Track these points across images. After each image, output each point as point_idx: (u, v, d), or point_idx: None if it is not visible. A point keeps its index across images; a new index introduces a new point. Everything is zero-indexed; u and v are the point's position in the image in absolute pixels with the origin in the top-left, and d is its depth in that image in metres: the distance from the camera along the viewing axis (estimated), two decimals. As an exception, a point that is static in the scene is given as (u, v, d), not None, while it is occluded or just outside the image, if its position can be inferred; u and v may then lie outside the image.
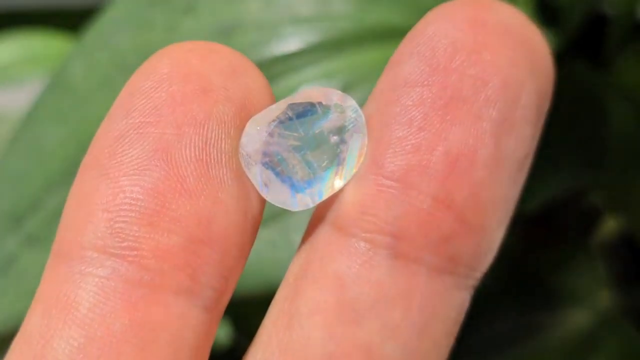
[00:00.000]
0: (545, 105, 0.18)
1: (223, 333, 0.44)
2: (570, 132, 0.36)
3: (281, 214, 0.29)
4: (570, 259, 0.41)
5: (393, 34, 0.32)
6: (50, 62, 0.48)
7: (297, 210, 0.17)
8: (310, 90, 0.17)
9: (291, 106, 0.17)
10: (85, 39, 0.35)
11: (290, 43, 0.32)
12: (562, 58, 0.40)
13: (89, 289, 0.16)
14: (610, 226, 0.45)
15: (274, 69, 0.32)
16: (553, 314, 0.40)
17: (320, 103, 0.17)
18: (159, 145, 0.16)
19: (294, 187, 0.17)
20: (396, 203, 0.16)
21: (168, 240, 0.16)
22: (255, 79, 0.17)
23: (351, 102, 0.17)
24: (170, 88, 0.16)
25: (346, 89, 0.31)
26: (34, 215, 0.34)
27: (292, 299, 0.17)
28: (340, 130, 0.17)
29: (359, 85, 0.31)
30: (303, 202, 0.17)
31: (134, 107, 0.16)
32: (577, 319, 0.40)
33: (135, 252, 0.16)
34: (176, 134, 0.16)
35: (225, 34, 0.32)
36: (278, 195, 0.17)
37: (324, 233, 0.17)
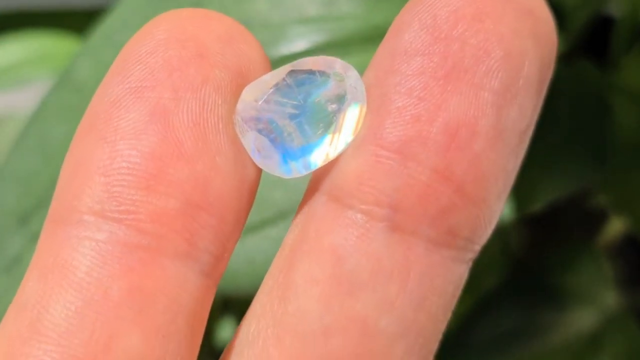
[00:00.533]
0: (548, 74, 0.17)
1: (227, 332, 0.44)
2: (575, 132, 0.36)
3: (286, 213, 0.29)
4: (575, 259, 0.41)
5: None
6: (58, 62, 0.48)
7: (289, 177, 0.17)
8: (311, 58, 0.17)
9: (290, 73, 0.17)
10: (93, 38, 0.35)
11: (298, 43, 0.32)
12: (568, 59, 0.40)
13: (85, 252, 0.16)
14: (615, 226, 0.45)
15: (281, 69, 0.32)
16: (558, 314, 0.40)
17: (320, 71, 0.17)
18: (156, 109, 0.16)
19: (287, 154, 0.17)
20: (394, 174, 0.16)
21: (166, 204, 0.16)
22: (251, 47, 0.17)
23: (352, 72, 0.17)
24: (166, 53, 0.16)
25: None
26: (40, 214, 0.34)
27: (287, 271, 0.17)
28: (339, 99, 0.17)
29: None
30: (296, 169, 0.17)
31: (130, 72, 0.16)
32: (582, 319, 0.40)
33: (133, 216, 0.16)
34: (173, 98, 0.16)
35: (232, 34, 0.32)
36: (270, 162, 0.17)
37: (320, 203, 0.17)
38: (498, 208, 0.17)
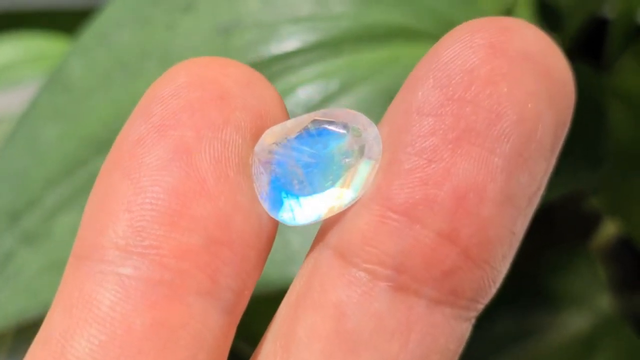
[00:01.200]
0: (562, 135, 0.17)
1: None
2: (569, 134, 0.36)
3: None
4: (569, 262, 0.41)
5: (391, 34, 0.32)
6: (49, 63, 0.48)
7: (292, 225, 0.17)
8: (336, 109, 0.17)
9: (313, 122, 0.17)
10: (84, 36, 0.35)
11: (289, 42, 0.32)
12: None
13: (110, 287, 0.16)
14: (609, 230, 0.45)
15: (273, 68, 0.32)
16: (552, 317, 0.40)
17: (341, 123, 0.17)
18: (178, 146, 0.16)
19: (293, 202, 0.17)
20: (400, 236, 0.16)
21: (189, 240, 0.16)
22: (269, 91, 0.18)
23: (372, 129, 0.17)
24: (188, 95, 0.17)
25: (344, 88, 0.31)
26: (31, 213, 0.34)
27: (290, 322, 0.17)
28: (353, 154, 0.17)
29: (357, 84, 0.31)
30: (300, 218, 0.17)
31: (153, 113, 0.17)
32: (576, 322, 0.40)
33: (156, 251, 0.16)
34: (195, 136, 0.16)
35: (224, 33, 0.32)
36: (275, 207, 0.17)
37: (326, 257, 0.17)
38: (503, 268, 0.17)
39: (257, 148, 0.17)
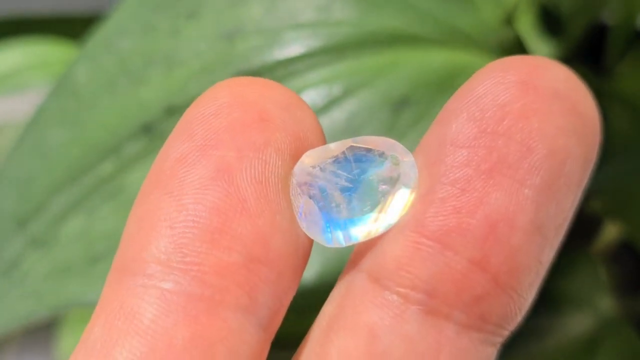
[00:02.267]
0: (589, 169, 0.18)
1: None
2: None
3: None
4: (571, 264, 0.41)
5: (393, 40, 0.33)
6: (56, 68, 0.48)
7: (329, 245, 0.18)
8: (375, 138, 0.18)
9: (350, 148, 0.17)
10: (90, 43, 0.35)
11: (292, 48, 0.32)
12: (565, 65, 0.40)
13: (152, 301, 0.16)
14: (611, 232, 0.45)
15: (276, 73, 0.32)
16: (554, 319, 0.40)
17: (379, 151, 0.17)
18: (220, 166, 0.17)
19: (331, 224, 0.17)
20: (432, 262, 0.16)
21: (229, 257, 0.16)
22: (307, 114, 0.18)
23: (409, 158, 0.17)
24: (230, 115, 0.17)
25: (347, 92, 0.31)
26: (38, 218, 0.34)
27: (323, 343, 0.17)
28: (391, 181, 0.17)
29: (360, 89, 0.32)
30: (337, 239, 0.17)
31: (195, 132, 0.17)
32: (577, 324, 0.40)
33: (198, 268, 0.16)
34: (237, 156, 0.17)
35: (228, 39, 0.33)
36: (314, 228, 0.17)
37: (359, 280, 0.17)
38: (530, 297, 0.17)
39: (296, 169, 0.17)
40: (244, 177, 0.17)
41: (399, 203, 0.17)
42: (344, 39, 0.32)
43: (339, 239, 0.17)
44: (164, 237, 0.16)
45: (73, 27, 0.49)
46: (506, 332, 0.18)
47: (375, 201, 0.17)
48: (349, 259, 0.18)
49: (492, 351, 0.18)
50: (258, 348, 0.17)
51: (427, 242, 0.17)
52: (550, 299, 0.41)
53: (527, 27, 0.41)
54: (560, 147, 0.17)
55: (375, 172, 0.17)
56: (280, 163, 0.17)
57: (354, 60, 0.32)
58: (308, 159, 0.17)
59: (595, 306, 0.40)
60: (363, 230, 0.17)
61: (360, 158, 0.17)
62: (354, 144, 0.17)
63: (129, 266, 0.17)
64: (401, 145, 0.17)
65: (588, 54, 0.44)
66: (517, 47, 0.37)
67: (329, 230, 0.17)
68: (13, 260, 0.34)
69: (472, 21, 0.35)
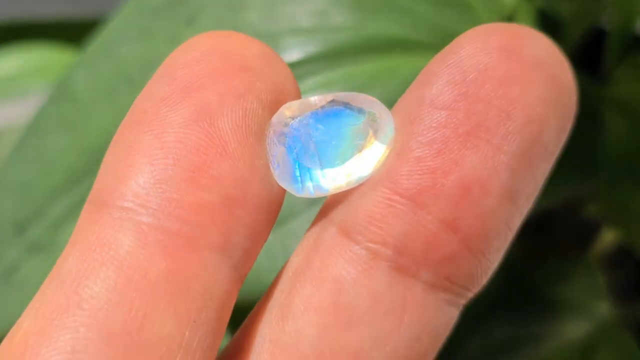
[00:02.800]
0: (563, 140, 0.18)
1: (223, 341, 0.44)
2: (567, 142, 0.36)
3: (279, 221, 0.29)
4: (568, 270, 0.42)
5: (391, 46, 0.33)
6: (54, 74, 0.48)
7: (300, 195, 0.18)
8: (355, 94, 0.18)
9: (330, 102, 0.18)
10: (89, 49, 0.35)
11: (290, 54, 0.33)
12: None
13: (128, 233, 0.16)
14: (609, 237, 0.45)
15: (274, 79, 0.32)
16: (551, 325, 0.40)
17: (357, 107, 0.18)
18: (202, 108, 0.17)
19: (303, 174, 0.17)
20: (404, 220, 0.17)
21: (207, 196, 0.16)
22: (284, 68, 0.18)
23: (388, 116, 0.17)
24: (212, 62, 0.17)
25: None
26: (36, 224, 0.34)
27: (288, 293, 0.17)
28: (366, 137, 0.17)
29: (357, 94, 0.32)
30: (308, 189, 0.18)
31: (177, 75, 0.17)
32: (575, 330, 0.40)
33: (176, 204, 0.16)
34: (219, 101, 0.17)
35: (226, 45, 0.33)
36: (285, 177, 0.18)
37: (329, 233, 0.17)
38: (496, 260, 0.18)
39: (274, 119, 0.18)
40: (225, 121, 0.17)
41: (373, 157, 0.17)
42: (342, 45, 0.33)
43: (309, 189, 0.18)
44: (144, 172, 0.17)
45: (72, 33, 0.49)
46: (470, 295, 0.18)
47: (349, 154, 0.17)
48: (319, 210, 0.18)
49: (455, 312, 0.18)
50: (229, 289, 0.17)
51: (400, 199, 0.17)
52: (548, 304, 0.41)
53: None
54: (538, 116, 0.17)
55: (352, 127, 0.17)
56: (260, 111, 0.17)
57: (352, 66, 0.32)
58: (287, 111, 0.18)
59: (593, 311, 0.41)
60: (335, 181, 0.17)
61: (338, 112, 0.18)
62: (335, 98, 0.18)
63: (107, 199, 0.17)
64: (381, 103, 0.18)
65: (586, 60, 0.44)
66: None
67: (299, 180, 0.18)
68: (12, 266, 0.34)
69: (469, 26, 0.35)
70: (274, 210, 0.18)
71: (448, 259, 0.17)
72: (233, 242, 0.17)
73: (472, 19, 0.35)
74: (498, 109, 0.17)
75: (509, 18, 0.37)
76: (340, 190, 0.17)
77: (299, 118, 0.17)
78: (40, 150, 0.35)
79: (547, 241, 0.45)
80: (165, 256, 0.16)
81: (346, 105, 0.18)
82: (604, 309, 0.41)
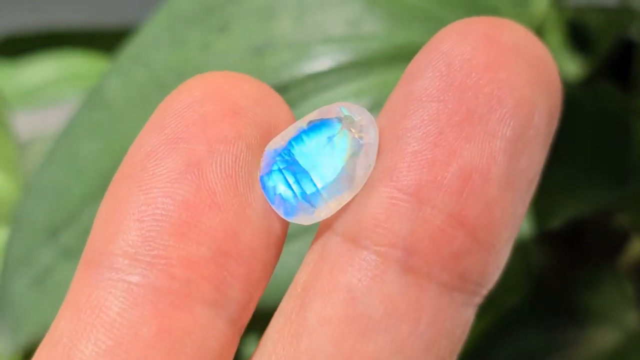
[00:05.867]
0: (554, 125, 0.18)
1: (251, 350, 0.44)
2: (596, 152, 0.36)
3: (304, 231, 0.29)
4: (597, 279, 0.41)
5: (422, 54, 0.33)
6: (88, 81, 0.48)
7: (308, 224, 0.18)
8: (329, 106, 0.18)
9: (308, 123, 0.17)
10: (121, 57, 0.35)
11: (321, 62, 0.33)
12: (591, 81, 0.40)
13: (118, 294, 0.16)
14: (637, 247, 0.45)
15: (306, 87, 0.32)
16: (580, 333, 0.40)
17: (336, 118, 0.17)
18: (190, 159, 0.17)
19: (305, 201, 0.17)
20: (410, 217, 0.16)
21: (197, 251, 0.16)
22: (280, 107, 0.18)
23: (365, 114, 0.17)
24: (202, 109, 0.17)
25: (375, 107, 0.31)
26: (69, 228, 0.35)
27: (299, 309, 0.17)
28: (353, 143, 0.17)
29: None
30: (316, 217, 0.17)
31: (166, 125, 0.17)
32: (604, 339, 0.40)
33: (165, 261, 0.16)
34: (207, 150, 0.17)
35: (258, 53, 0.33)
36: (290, 211, 0.17)
37: (333, 243, 0.17)
38: (505, 253, 0.18)
39: (263, 158, 0.17)
40: (213, 171, 0.17)
41: (366, 166, 0.17)
42: (373, 53, 0.33)
43: (319, 215, 0.17)
44: (132, 230, 0.16)
45: (104, 41, 0.50)
46: (485, 292, 0.18)
47: (342, 167, 0.17)
48: (319, 225, 0.18)
49: (472, 313, 0.18)
50: (227, 342, 0.17)
51: (402, 196, 0.16)
52: (576, 313, 0.41)
53: (555, 43, 0.41)
54: (527, 98, 0.17)
55: (335, 139, 0.17)
56: (250, 157, 0.17)
57: (383, 75, 0.32)
58: (272, 145, 0.17)
59: (621, 321, 0.40)
60: (338, 199, 0.17)
61: (317, 128, 0.17)
62: (309, 119, 0.17)
63: (97, 259, 0.16)
64: (356, 106, 0.17)
65: (615, 71, 0.44)
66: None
67: (305, 209, 0.17)
68: (45, 270, 0.35)
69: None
70: (272, 257, 0.18)
71: (459, 255, 0.17)
72: (228, 296, 0.17)
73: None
74: (488, 96, 0.17)
75: (539, 27, 0.37)
76: (342, 206, 0.17)
77: (284, 147, 0.17)
78: (74, 157, 0.35)
79: (577, 251, 0.45)
80: (156, 315, 0.16)
81: (324, 120, 0.17)
82: (632, 318, 0.40)
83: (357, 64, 0.33)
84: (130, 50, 0.35)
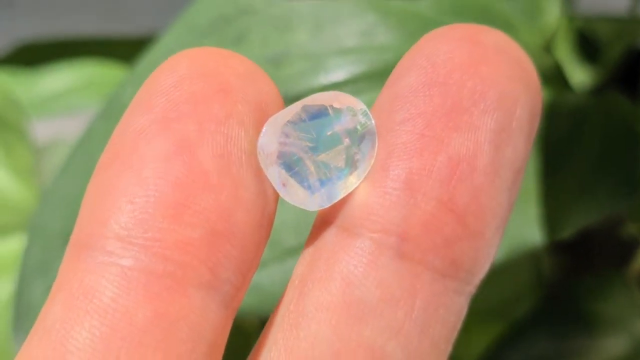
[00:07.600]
0: (536, 123, 0.18)
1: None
2: (605, 161, 0.37)
3: (296, 250, 0.30)
4: (607, 287, 0.42)
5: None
6: (105, 89, 0.48)
7: (313, 210, 0.18)
8: (322, 94, 0.18)
9: (305, 108, 0.17)
10: (138, 67, 0.36)
11: (337, 73, 0.33)
12: (601, 91, 0.40)
13: (111, 279, 0.16)
14: (647, 256, 0.45)
15: (321, 98, 0.32)
16: (589, 341, 0.40)
17: (332, 106, 0.17)
18: (181, 140, 0.16)
19: (310, 188, 0.17)
20: (402, 205, 0.17)
21: (191, 233, 0.16)
22: (268, 85, 0.18)
23: (362, 106, 0.18)
24: (190, 87, 0.17)
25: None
26: (86, 236, 0.35)
27: (297, 299, 0.17)
28: (353, 133, 0.17)
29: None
30: (319, 202, 0.17)
31: (155, 104, 0.17)
32: (613, 346, 0.40)
33: (159, 243, 0.16)
34: (198, 130, 0.16)
35: (274, 64, 0.33)
36: (295, 195, 0.17)
37: (329, 234, 0.18)
38: (495, 243, 0.18)
39: (261, 140, 0.17)
40: (205, 151, 0.16)
41: (367, 152, 0.17)
42: (387, 65, 0.33)
43: (322, 201, 0.17)
44: (124, 212, 0.16)
45: (121, 50, 0.50)
46: (476, 281, 0.18)
47: (347, 156, 0.17)
48: (315, 219, 0.18)
49: (465, 302, 0.18)
50: (220, 325, 0.17)
51: (393, 185, 0.17)
52: (586, 321, 0.41)
53: (565, 53, 0.42)
54: (509, 92, 0.17)
55: (335, 127, 0.17)
56: (242, 135, 0.17)
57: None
58: (269, 128, 0.17)
59: (631, 329, 0.41)
60: (342, 187, 0.17)
61: (316, 116, 0.17)
62: (306, 104, 0.17)
63: (88, 242, 0.16)
64: (349, 95, 0.18)
65: (625, 80, 0.44)
66: (556, 73, 0.37)
67: (310, 194, 0.17)
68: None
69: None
70: (263, 238, 0.18)
71: (450, 240, 0.17)
72: (221, 278, 0.16)
73: (514, 39, 0.35)
74: (471, 90, 0.17)
75: (551, 38, 0.37)
76: (348, 193, 0.17)
77: (284, 132, 0.17)
78: (90, 165, 0.35)
79: (586, 259, 0.45)
80: (150, 300, 0.16)
81: (322, 107, 0.17)
82: (641, 327, 0.41)
83: (371, 74, 0.33)
84: (148, 60, 0.35)
